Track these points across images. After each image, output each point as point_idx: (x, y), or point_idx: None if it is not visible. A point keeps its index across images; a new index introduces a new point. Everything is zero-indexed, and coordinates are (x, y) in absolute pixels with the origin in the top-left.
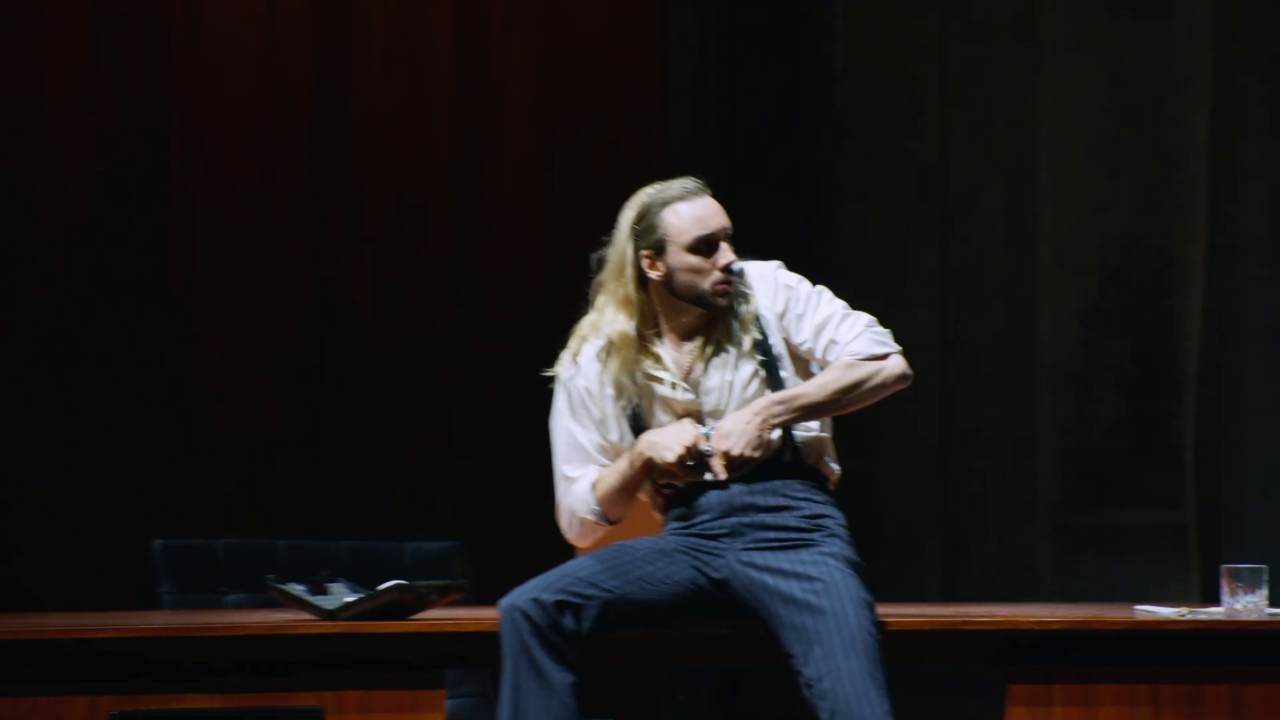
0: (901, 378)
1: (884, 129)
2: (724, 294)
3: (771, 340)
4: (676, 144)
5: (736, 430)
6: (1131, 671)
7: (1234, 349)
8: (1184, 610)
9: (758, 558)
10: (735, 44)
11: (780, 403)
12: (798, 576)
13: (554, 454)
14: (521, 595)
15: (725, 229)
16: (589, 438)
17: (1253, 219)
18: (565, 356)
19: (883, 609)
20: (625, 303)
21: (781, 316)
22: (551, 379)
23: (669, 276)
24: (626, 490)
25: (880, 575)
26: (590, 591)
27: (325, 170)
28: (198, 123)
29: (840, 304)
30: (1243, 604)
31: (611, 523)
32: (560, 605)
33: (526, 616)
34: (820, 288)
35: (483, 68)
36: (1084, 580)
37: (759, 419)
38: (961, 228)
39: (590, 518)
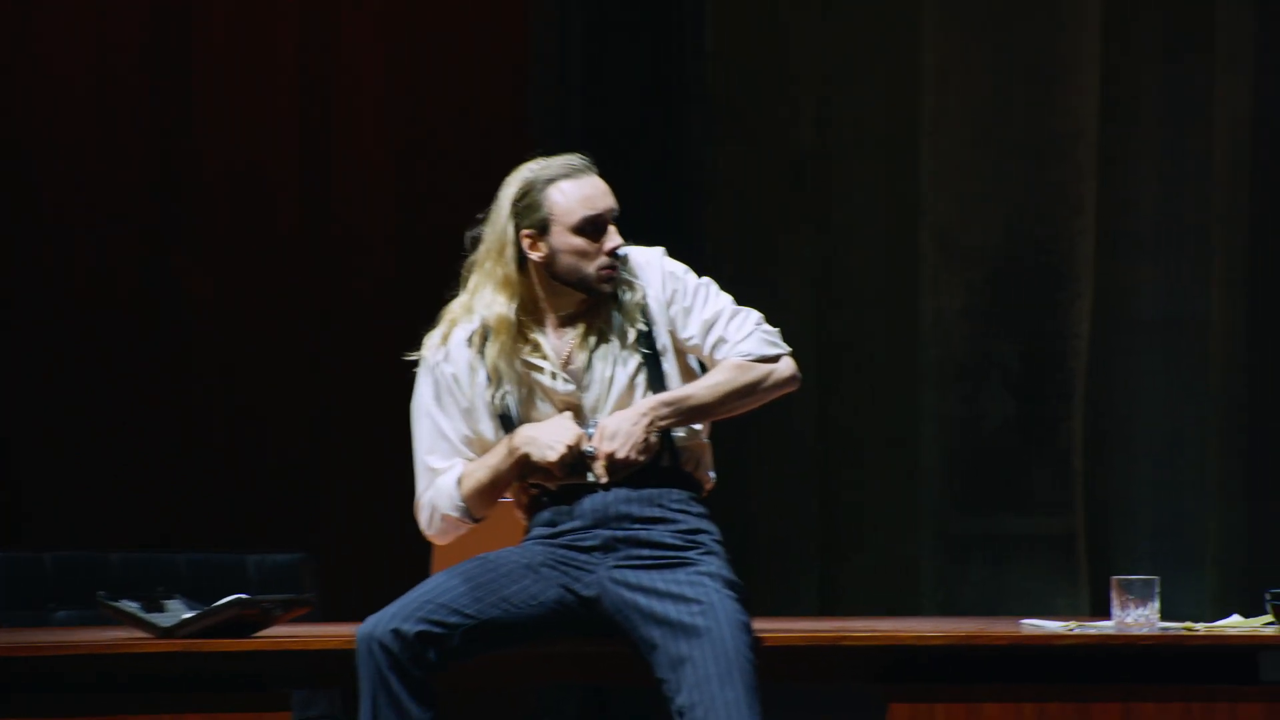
0: (791, 380)
1: (756, 114)
2: (608, 279)
3: (656, 331)
4: (537, 127)
5: (623, 431)
6: (1017, 689)
7: (1125, 347)
8: (1072, 624)
9: (630, 576)
10: (599, 21)
11: (668, 404)
12: (673, 597)
13: (415, 443)
14: (381, 625)
15: (613, 210)
16: (454, 428)
17: (1144, 212)
18: (432, 339)
19: (757, 624)
20: (504, 284)
21: (668, 306)
22: (413, 364)
23: (551, 258)
24: (496, 487)
25: (755, 586)
26: (453, 620)
27: (162, 149)
28: (31, 99)
29: (727, 298)
30: (1134, 617)
31: (475, 520)
32: (422, 637)
33: (386, 649)
34: (707, 279)
35: (331, 45)
36: (970, 589)
37: (645, 420)
38: (839, 219)
39: (454, 514)
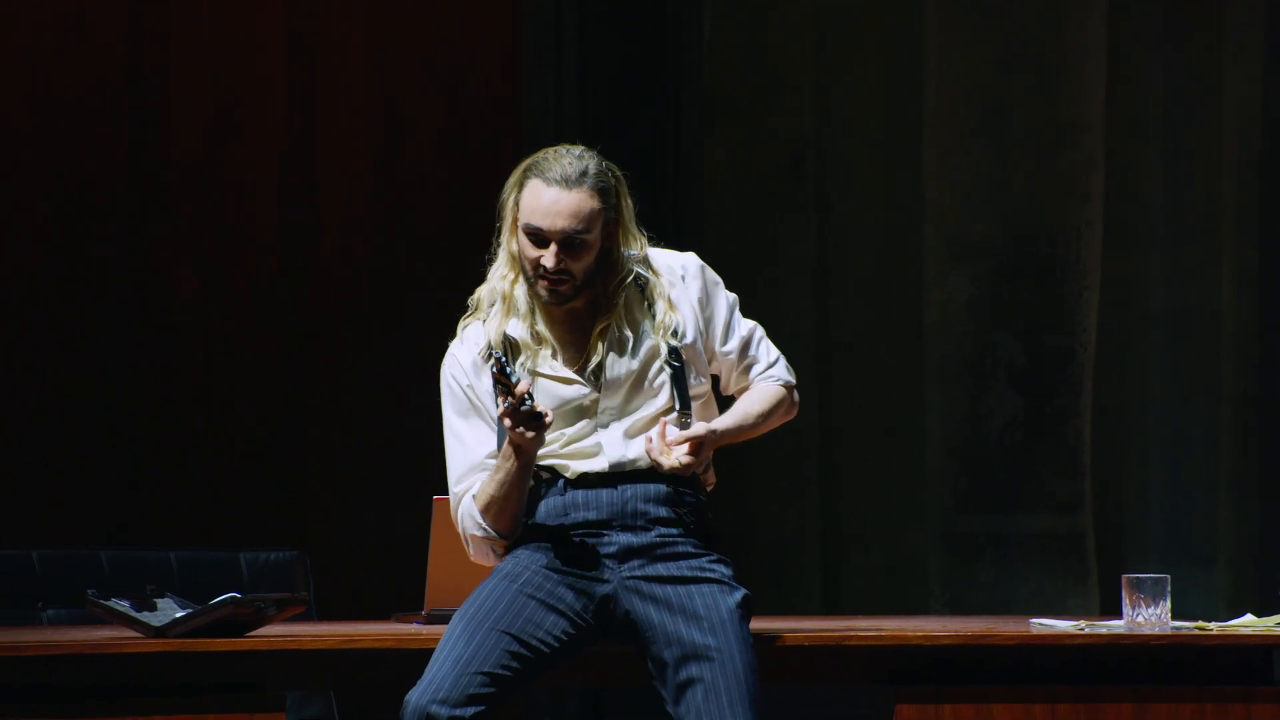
0: (795, 406)
1: (754, 105)
2: (548, 291)
3: (687, 342)
4: (529, 118)
5: (701, 463)
6: (1027, 690)
7: (1134, 341)
8: (1082, 624)
9: (644, 587)
10: (594, 9)
11: (726, 435)
12: (685, 615)
13: (447, 463)
14: (434, 704)
15: (563, 231)
16: (476, 438)
17: (1152, 202)
18: (459, 332)
19: (760, 623)
20: (514, 261)
21: (710, 319)
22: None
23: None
24: (506, 496)
25: (758, 586)
26: (493, 690)
27: (140, 138)
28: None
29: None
30: (1145, 617)
31: (503, 537)
32: (476, 716)
33: None
34: (734, 296)
35: (317, 31)
36: (977, 589)
37: (709, 451)
38: (839, 212)
39: (478, 534)
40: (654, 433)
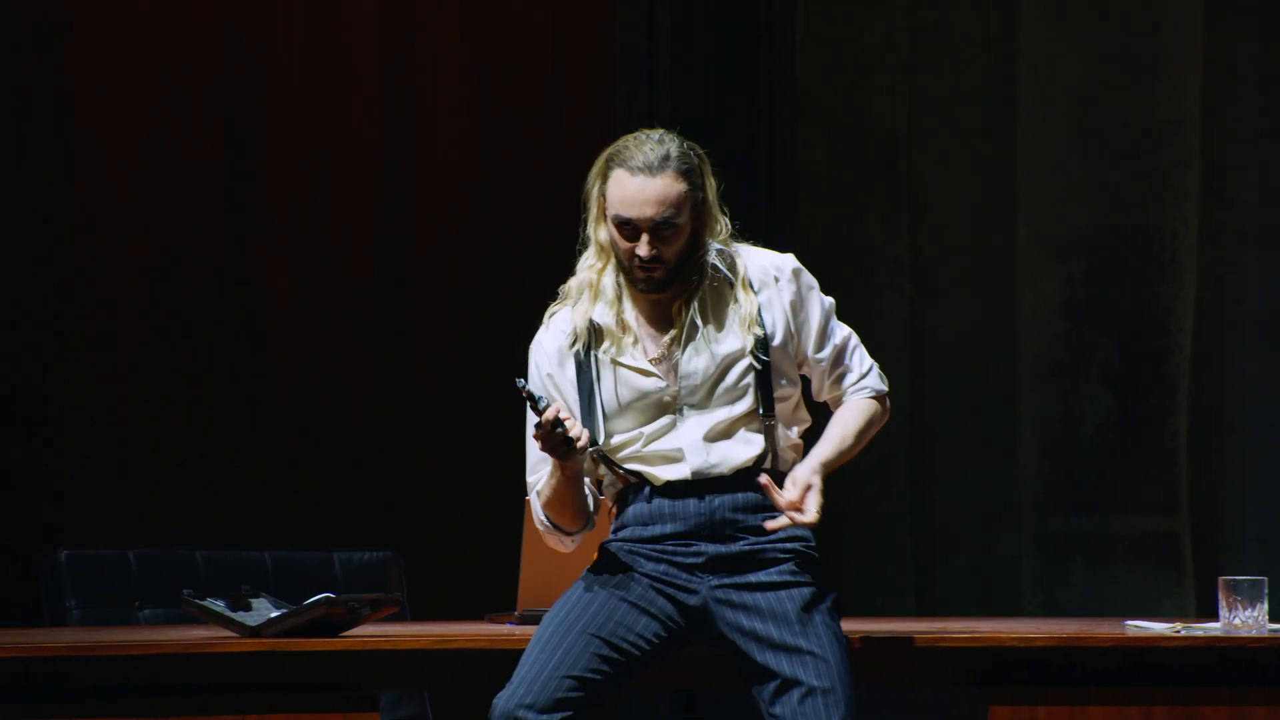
0: (886, 414)
1: (847, 103)
2: (644, 280)
3: (775, 342)
4: (622, 118)
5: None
6: (1122, 692)
7: (1230, 341)
8: (1178, 626)
9: (734, 595)
10: (686, 11)
11: (829, 465)
12: (776, 617)
13: (525, 443)
14: (521, 708)
15: (652, 220)
16: None
17: (1248, 201)
18: (545, 320)
19: (853, 625)
20: (602, 251)
21: (803, 323)
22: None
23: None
24: (559, 497)
25: (850, 588)
26: (581, 694)
27: (238, 145)
28: (107, 93)
29: (846, 326)
30: (1241, 619)
31: (567, 533)
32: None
33: None
34: (831, 300)
35: (411, 38)
36: (1071, 590)
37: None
38: (932, 211)
39: (540, 528)
40: (771, 490)
